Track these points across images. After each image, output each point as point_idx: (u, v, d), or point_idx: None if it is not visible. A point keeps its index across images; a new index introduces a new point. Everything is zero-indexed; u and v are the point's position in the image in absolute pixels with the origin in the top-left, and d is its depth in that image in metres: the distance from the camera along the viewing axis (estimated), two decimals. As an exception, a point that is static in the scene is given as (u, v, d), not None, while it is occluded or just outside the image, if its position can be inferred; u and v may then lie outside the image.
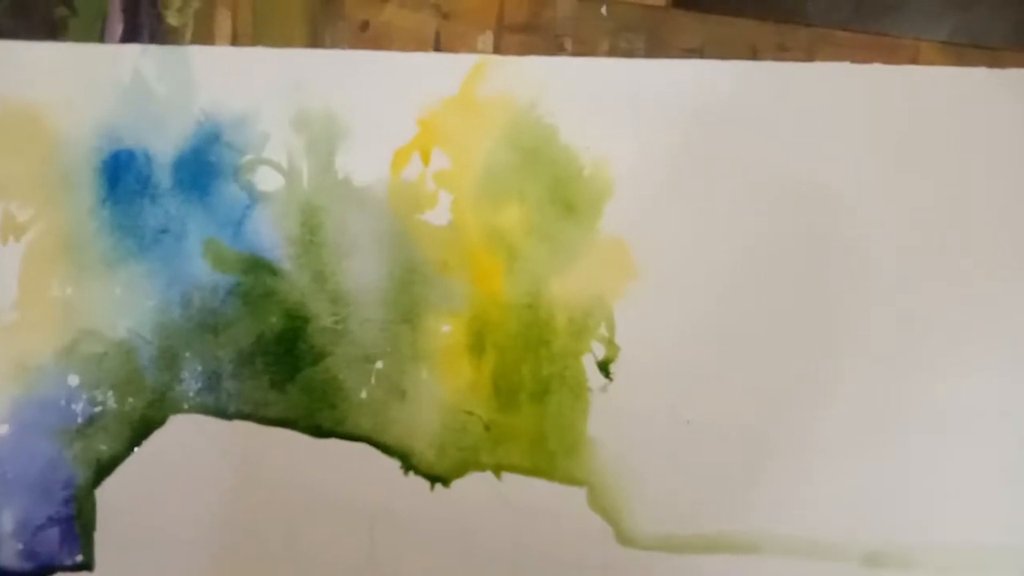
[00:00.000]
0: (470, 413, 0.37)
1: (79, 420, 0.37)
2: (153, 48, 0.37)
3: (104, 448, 0.37)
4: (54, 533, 0.37)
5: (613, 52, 0.37)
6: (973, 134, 0.36)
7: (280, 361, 0.37)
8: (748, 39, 0.37)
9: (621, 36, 0.37)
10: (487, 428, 0.37)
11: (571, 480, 0.37)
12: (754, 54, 0.37)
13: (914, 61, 0.37)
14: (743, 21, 0.37)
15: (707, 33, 0.37)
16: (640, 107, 0.37)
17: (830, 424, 0.37)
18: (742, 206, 0.37)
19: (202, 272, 0.37)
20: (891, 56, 0.37)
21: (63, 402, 0.37)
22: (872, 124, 0.36)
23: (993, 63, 0.37)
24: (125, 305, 0.37)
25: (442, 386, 0.37)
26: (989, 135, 0.36)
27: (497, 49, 0.37)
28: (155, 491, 0.37)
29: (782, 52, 0.37)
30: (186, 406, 0.37)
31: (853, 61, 0.37)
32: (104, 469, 0.37)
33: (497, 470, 0.37)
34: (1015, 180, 0.37)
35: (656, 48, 0.37)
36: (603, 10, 0.37)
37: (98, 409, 0.37)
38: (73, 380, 0.37)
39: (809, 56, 0.37)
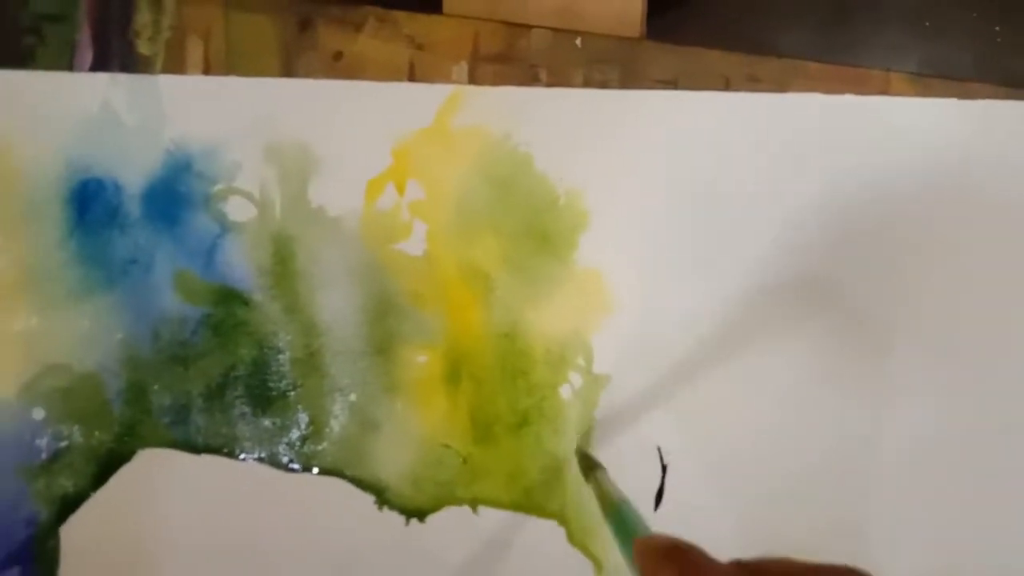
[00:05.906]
0: (446, 446, 0.37)
1: (43, 455, 0.36)
2: (123, 77, 0.37)
3: (69, 484, 0.36)
4: (14, 574, 0.36)
5: (587, 83, 0.37)
6: (942, 164, 0.37)
7: (251, 394, 0.37)
8: (721, 70, 0.37)
9: (595, 67, 0.37)
10: (464, 461, 0.37)
11: (549, 514, 0.37)
12: (727, 85, 0.37)
13: (884, 92, 0.37)
14: (716, 53, 0.37)
15: (680, 65, 0.37)
16: (614, 138, 0.37)
17: (809, 454, 0.37)
18: (718, 236, 0.37)
19: (172, 304, 0.37)
20: (862, 87, 0.37)
21: (27, 437, 0.36)
22: (843, 154, 0.37)
23: (960, 94, 0.37)
24: (92, 338, 0.36)
25: (417, 418, 0.37)
26: (958, 165, 0.37)
27: (472, 80, 0.37)
28: (122, 528, 0.36)
29: (754, 83, 0.37)
30: (155, 440, 0.37)
31: (824, 92, 0.37)
32: (69, 506, 0.36)
33: (474, 504, 0.37)
34: (983, 208, 0.37)
35: (630, 79, 0.37)
36: (577, 41, 0.37)
37: (63, 444, 0.36)
38: (38, 414, 0.36)
39: (781, 87, 0.37)
